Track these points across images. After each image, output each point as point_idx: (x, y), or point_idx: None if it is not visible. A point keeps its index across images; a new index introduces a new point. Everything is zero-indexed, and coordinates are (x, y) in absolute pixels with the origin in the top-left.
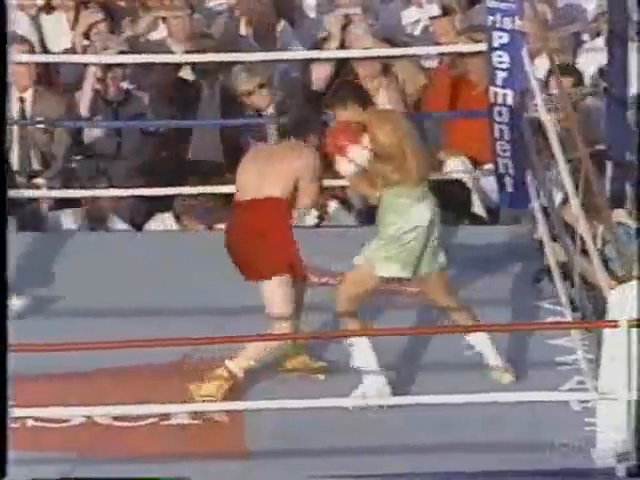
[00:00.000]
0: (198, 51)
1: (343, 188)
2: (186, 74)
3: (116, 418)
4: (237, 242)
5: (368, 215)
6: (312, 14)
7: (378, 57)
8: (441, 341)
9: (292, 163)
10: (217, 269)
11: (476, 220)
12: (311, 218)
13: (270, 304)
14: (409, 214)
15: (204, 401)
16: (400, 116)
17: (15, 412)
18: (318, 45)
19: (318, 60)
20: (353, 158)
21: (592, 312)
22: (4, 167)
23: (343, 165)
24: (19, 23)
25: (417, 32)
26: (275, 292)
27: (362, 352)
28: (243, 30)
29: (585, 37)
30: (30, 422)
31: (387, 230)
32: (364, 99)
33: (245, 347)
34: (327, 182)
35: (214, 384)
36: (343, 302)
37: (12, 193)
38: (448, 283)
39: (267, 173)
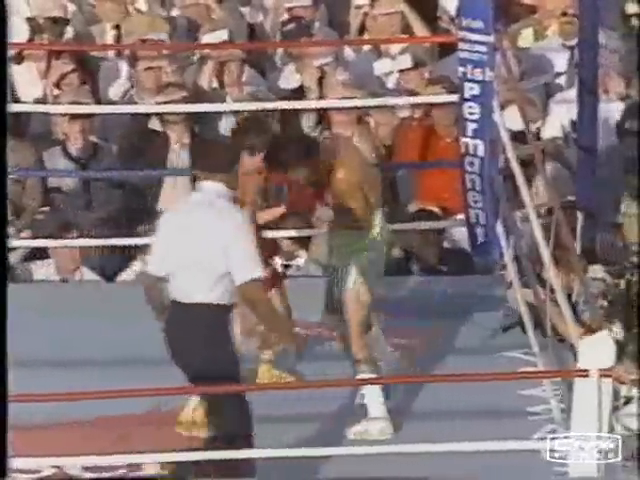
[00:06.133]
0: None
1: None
2: (154, 125)
3: (87, 469)
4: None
5: None
6: (279, 63)
7: (352, 107)
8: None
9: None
10: None
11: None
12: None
13: None
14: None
15: None
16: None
17: None
18: (293, 95)
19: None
20: (320, 216)
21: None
22: (4, 167)
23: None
24: None
25: (389, 84)
26: None
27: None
28: (211, 81)
29: (555, 88)
30: None
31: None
32: (314, 152)
33: None
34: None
35: None
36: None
37: None
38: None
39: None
